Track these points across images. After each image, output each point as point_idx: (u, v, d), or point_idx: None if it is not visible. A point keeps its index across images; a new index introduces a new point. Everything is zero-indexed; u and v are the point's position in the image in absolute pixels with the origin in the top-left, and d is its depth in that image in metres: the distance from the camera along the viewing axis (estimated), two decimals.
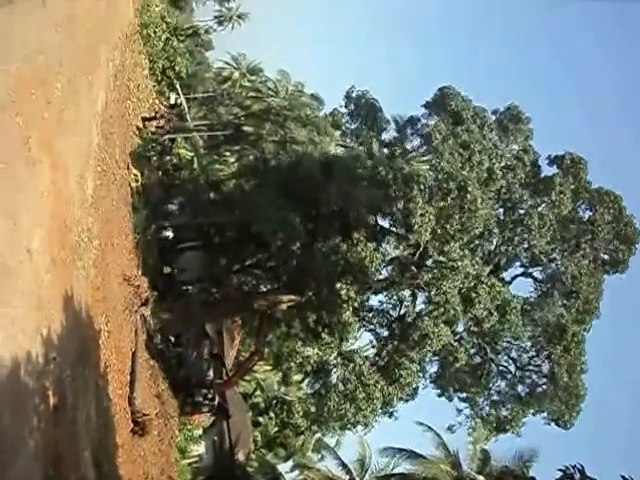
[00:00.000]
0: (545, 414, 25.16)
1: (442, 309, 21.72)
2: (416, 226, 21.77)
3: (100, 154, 20.41)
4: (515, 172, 24.68)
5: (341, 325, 23.04)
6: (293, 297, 25.84)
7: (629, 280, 27.93)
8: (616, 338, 41.97)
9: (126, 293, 22.81)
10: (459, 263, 21.26)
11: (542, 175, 25.74)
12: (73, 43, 17.99)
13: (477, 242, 23.54)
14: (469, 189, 21.32)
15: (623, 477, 7.61)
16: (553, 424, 25.19)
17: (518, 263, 25.81)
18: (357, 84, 27.51)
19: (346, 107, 26.96)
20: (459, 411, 25.98)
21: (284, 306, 26.23)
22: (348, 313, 22.60)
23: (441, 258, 22.01)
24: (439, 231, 22.10)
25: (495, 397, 25.57)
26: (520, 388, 25.46)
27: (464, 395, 26.11)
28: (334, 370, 24.24)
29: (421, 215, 21.52)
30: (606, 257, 25.32)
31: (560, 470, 7.89)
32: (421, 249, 22.78)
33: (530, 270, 25.77)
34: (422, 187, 21.64)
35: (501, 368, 25.76)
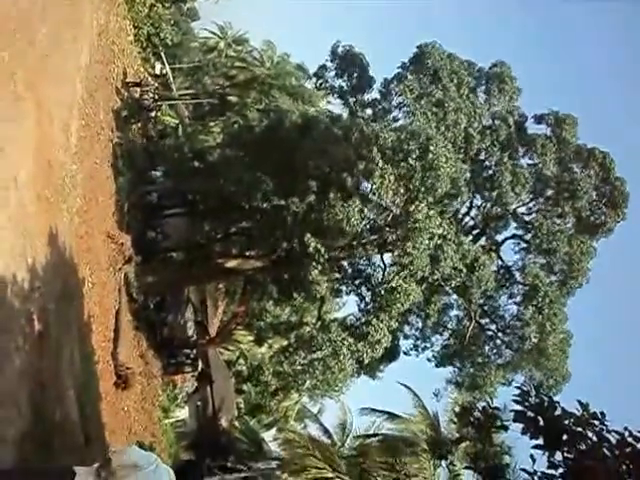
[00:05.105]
0: (525, 377, 25.26)
1: (407, 270, 21.82)
2: (375, 187, 21.78)
3: (84, 108, 20.50)
4: (497, 133, 24.66)
5: (311, 284, 22.95)
6: (267, 258, 26.08)
7: (615, 246, 27.83)
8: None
9: (109, 250, 22.98)
10: (423, 224, 21.22)
11: (528, 134, 25.43)
12: None
13: (446, 202, 23.34)
14: (431, 148, 21.13)
15: (580, 402, 7.99)
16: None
17: (513, 225, 25.60)
18: (345, 41, 26.89)
19: (332, 62, 26.72)
20: (449, 382, 26.07)
21: (260, 268, 26.49)
22: (316, 272, 22.52)
23: (405, 218, 21.97)
24: (402, 191, 22.07)
25: (479, 360, 25.62)
26: (502, 351, 25.53)
27: (452, 362, 26.21)
28: (305, 330, 24.27)
29: (380, 176, 21.47)
30: (591, 219, 24.90)
31: (517, 387, 8.24)
32: (386, 210, 22.85)
33: (519, 232, 25.68)
34: (381, 147, 21.56)
35: (488, 332, 25.78)
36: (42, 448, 10.34)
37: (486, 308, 25.25)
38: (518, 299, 24.71)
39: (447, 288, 24.08)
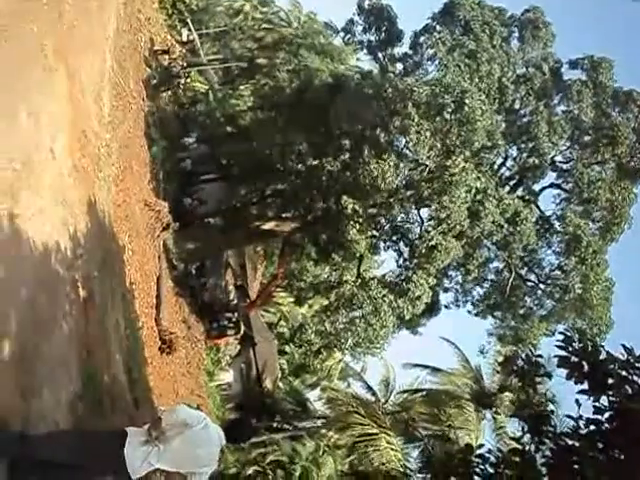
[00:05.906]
0: (568, 326, 25.03)
1: (445, 224, 21.77)
2: (411, 143, 21.67)
3: (115, 78, 20.56)
4: (532, 81, 24.16)
5: (349, 243, 23.07)
6: (304, 219, 26.22)
7: None
8: None
9: (147, 218, 23.20)
10: (458, 177, 21.05)
11: (563, 81, 24.92)
12: None
13: (482, 155, 23.08)
14: (466, 101, 20.84)
15: (624, 346, 7.88)
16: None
17: (553, 174, 25.23)
18: None
19: (359, 16, 26.43)
20: (490, 334, 26.06)
21: (297, 229, 26.68)
22: (354, 230, 22.58)
23: (441, 173, 21.80)
24: (438, 146, 21.87)
25: (521, 312, 25.53)
26: (544, 302, 25.32)
27: (493, 313, 26.18)
28: (346, 288, 24.42)
29: (416, 132, 21.32)
30: (631, 164, 24.37)
31: (561, 333, 8.16)
32: (421, 165, 22.75)
33: (558, 181, 25.33)
34: (416, 102, 21.33)
35: (529, 283, 25.62)
36: (94, 410, 10.62)
37: (526, 260, 25.07)
38: (558, 249, 24.47)
39: (488, 243, 23.98)
